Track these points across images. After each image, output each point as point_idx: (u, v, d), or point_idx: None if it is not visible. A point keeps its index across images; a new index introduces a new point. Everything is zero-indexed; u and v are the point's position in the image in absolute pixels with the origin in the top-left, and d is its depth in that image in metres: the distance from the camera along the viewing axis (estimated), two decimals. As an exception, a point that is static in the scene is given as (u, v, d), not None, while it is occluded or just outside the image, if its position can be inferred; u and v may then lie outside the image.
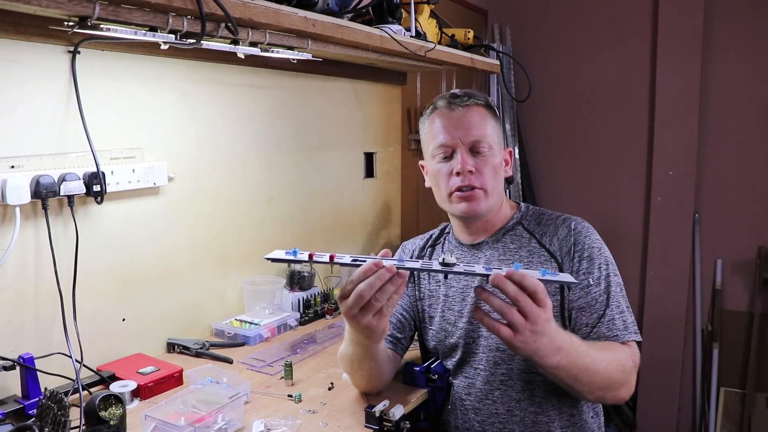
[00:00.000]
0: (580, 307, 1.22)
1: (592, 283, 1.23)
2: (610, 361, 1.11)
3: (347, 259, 1.00)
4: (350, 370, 1.29)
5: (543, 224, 1.33)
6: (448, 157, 1.29)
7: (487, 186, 1.27)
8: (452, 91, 1.36)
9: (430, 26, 1.87)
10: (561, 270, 1.26)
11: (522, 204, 1.40)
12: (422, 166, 1.39)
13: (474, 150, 1.28)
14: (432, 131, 1.32)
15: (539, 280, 0.95)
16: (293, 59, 1.55)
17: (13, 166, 1.22)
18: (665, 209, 3.09)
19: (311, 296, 1.92)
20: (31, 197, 1.22)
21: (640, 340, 1.21)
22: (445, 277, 1.22)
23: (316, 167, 2.11)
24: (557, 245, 1.28)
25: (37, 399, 1.13)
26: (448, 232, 1.45)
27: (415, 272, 1.42)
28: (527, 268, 1.26)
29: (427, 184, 1.38)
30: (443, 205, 1.34)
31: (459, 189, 1.27)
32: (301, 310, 1.86)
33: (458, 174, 1.27)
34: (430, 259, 1.42)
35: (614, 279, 1.24)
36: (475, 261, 1.34)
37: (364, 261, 0.98)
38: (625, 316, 1.21)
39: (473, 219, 1.32)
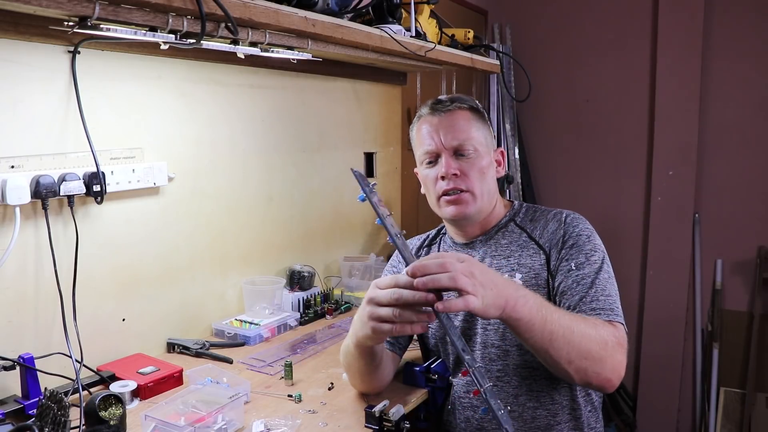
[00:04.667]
0: (562, 291, 1.21)
1: (573, 267, 1.21)
2: (588, 331, 1.06)
3: None
4: (346, 366, 1.29)
5: (535, 219, 1.33)
6: (434, 162, 1.30)
7: (474, 188, 1.28)
8: (438, 98, 1.37)
9: (430, 26, 1.87)
10: (548, 261, 1.24)
11: (516, 202, 1.40)
12: (417, 173, 1.40)
13: (458, 153, 1.28)
14: (418, 138, 1.34)
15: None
16: (293, 59, 1.55)
17: (13, 166, 1.22)
18: (665, 209, 3.08)
19: (311, 296, 1.92)
20: (31, 197, 1.22)
21: (625, 328, 1.16)
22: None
23: (316, 167, 2.11)
24: (546, 238, 1.28)
25: (37, 399, 1.12)
26: (444, 233, 1.45)
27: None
28: (520, 263, 1.26)
29: (422, 190, 1.39)
30: (434, 209, 1.35)
31: (446, 193, 1.28)
32: (301, 310, 1.86)
33: (443, 178, 1.27)
34: None
35: (603, 266, 1.22)
36: None
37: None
38: (611, 299, 1.17)
39: (463, 222, 1.33)
